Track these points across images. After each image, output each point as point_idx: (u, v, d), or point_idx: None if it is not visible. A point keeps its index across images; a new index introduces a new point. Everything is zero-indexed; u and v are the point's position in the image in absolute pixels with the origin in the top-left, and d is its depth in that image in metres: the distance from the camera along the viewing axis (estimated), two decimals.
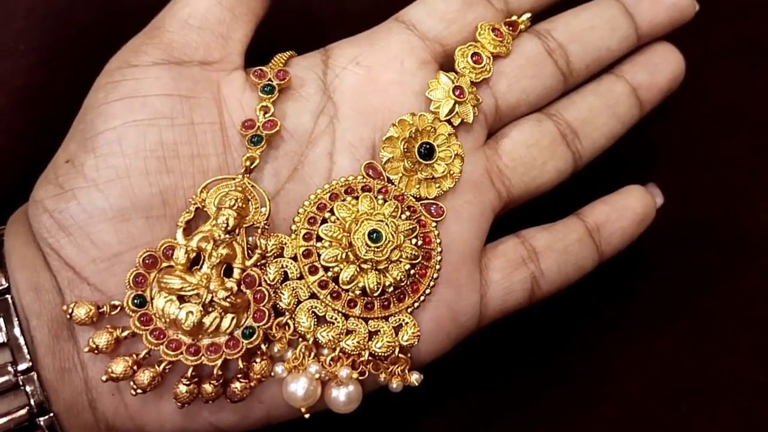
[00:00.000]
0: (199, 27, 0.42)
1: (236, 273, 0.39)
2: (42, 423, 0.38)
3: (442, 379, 0.44)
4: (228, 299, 0.39)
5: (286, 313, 0.40)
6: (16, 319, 0.38)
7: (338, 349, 0.40)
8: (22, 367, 0.38)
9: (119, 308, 0.38)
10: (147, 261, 0.39)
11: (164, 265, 0.39)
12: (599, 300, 0.52)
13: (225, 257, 0.39)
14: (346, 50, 0.44)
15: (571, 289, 0.46)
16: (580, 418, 0.49)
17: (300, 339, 0.40)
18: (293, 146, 0.42)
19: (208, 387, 0.39)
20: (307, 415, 0.40)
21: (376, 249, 0.39)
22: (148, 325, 0.39)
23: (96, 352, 0.38)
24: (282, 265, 0.40)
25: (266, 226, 0.40)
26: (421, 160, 0.42)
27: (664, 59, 0.48)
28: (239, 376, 0.39)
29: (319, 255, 0.40)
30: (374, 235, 0.39)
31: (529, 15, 0.46)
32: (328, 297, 0.40)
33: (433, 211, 0.42)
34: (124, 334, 0.38)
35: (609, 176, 0.49)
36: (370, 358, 0.40)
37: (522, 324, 0.47)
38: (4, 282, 0.39)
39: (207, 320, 0.39)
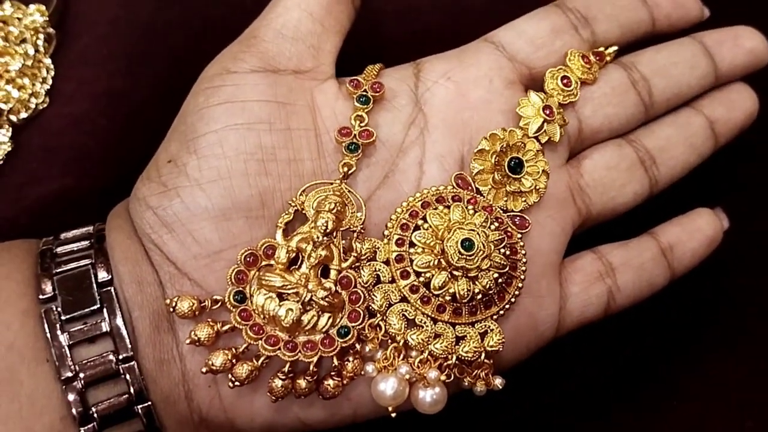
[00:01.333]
0: (293, 37, 0.44)
1: (333, 274, 0.41)
2: (140, 411, 0.39)
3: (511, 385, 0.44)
4: (326, 299, 0.40)
5: (378, 315, 0.41)
6: (119, 309, 0.39)
7: (427, 351, 0.41)
8: (123, 356, 0.39)
9: (220, 303, 0.40)
10: (248, 259, 0.40)
11: (264, 263, 0.41)
12: (672, 315, 0.53)
13: (323, 258, 0.41)
14: (437, 65, 0.46)
15: (644, 303, 0.47)
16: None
17: (390, 340, 0.42)
18: (385, 155, 0.44)
19: (302, 383, 0.40)
20: (393, 414, 0.42)
21: (468, 257, 0.40)
22: (247, 320, 0.40)
23: (197, 344, 0.39)
24: (375, 268, 0.42)
25: (362, 230, 0.42)
26: (509, 174, 0.44)
27: (741, 97, 0.50)
28: (332, 373, 0.41)
29: (411, 260, 0.42)
30: (467, 243, 0.40)
31: (615, 48, 0.48)
32: (419, 301, 0.41)
33: (518, 223, 0.44)
34: (225, 328, 0.40)
35: (673, 196, 0.50)
36: (456, 362, 0.41)
37: (595, 334, 0.48)
38: (107, 274, 0.40)
39: (305, 318, 0.40)
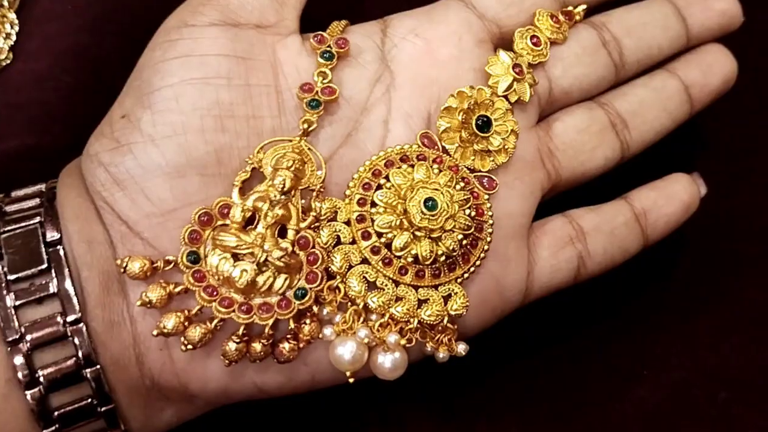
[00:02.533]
0: None
1: (290, 234, 0.40)
2: (88, 375, 0.38)
3: (474, 358, 0.43)
4: (282, 259, 0.39)
5: (338, 277, 0.40)
6: (67, 269, 0.38)
7: (387, 315, 0.40)
8: (71, 318, 0.38)
9: (173, 264, 0.39)
10: (202, 218, 0.39)
11: (219, 223, 0.39)
12: (641, 284, 0.52)
13: (280, 218, 0.39)
14: (405, 21, 0.44)
15: (613, 272, 0.46)
16: (618, 401, 0.50)
17: (349, 303, 0.40)
18: (348, 112, 0.42)
19: (257, 346, 0.39)
20: (351, 380, 0.40)
21: (431, 217, 0.39)
22: (201, 281, 0.39)
23: (149, 306, 0.38)
24: (335, 229, 0.40)
25: (322, 189, 0.40)
26: (477, 132, 0.42)
27: (718, 61, 0.49)
28: (288, 336, 0.39)
29: (372, 221, 0.40)
30: (430, 203, 0.39)
31: (584, 6, 0.47)
32: (380, 263, 0.40)
33: (485, 184, 0.42)
34: (177, 289, 0.38)
35: (651, 164, 0.49)
36: (418, 325, 0.40)
37: (561, 304, 0.47)
38: (56, 233, 0.39)
39: (260, 279, 0.39)
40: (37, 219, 0.39)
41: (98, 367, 0.38)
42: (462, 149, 0.43)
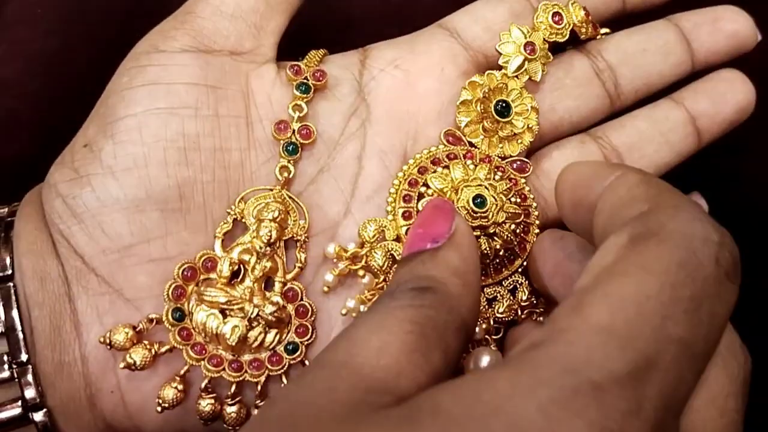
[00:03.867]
0: (232, 15, 0.40)
1: (277, 287, 0.38)
2: (35, 418, 0.36)
3: None
4: (275, 314, 0.37)
5: None
6: (17, 308, 0.36)
7: None
8: (18, 359, 0.36)
9: (155, 322, 0.37)
10: (186, 273, 0.37)
11: (203, 277, 0.38)
12: None
13: (268, 270, 0.38)
14: (386, 52, 0.43)
15: None
16: None
17: None
18: (321, 148, 0.41)
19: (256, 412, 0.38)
20: None
21: (482, 215, 0.37)
22: (188, 339, 0.37)
23: (133, 368, 0.36)
24: (388, 248, 0.38)
25: (306, 239, 0.39)
26: (499, 119, 0.41)
27: (731, 88, 0.44)
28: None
29: None
30: (478, 200, 0.37)
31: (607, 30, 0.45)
32: None
33: (518, 168, 0.41)
34: (163, 349, 0.37)
35: None
36: (495, 324, 0.39)
37: None
38: (9, 269, 0.37)
39: (252, 335, 0.38)
40: None
41: (46, 410, 0.36)
42: (488, 139, 0.41)
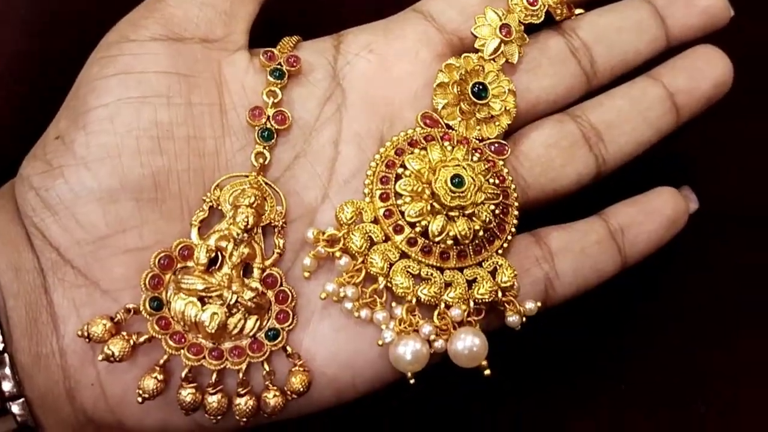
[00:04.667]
0: (202, 2, 0.40)
1: (256, 273, 0.38)
2: (13, 408, 0.36)
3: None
4: (254, 300, 0.37)
5: (380, 279, 0.37)
6: None
7: (442, 303, 0.38)
8: None
9: (132, 312, 0.37)
10: (162, 261, 0.37)
11: (180, 265, 0.38)
12: (622, 290, 0.47)
13: (246, 257, 0.38)
14: (360, 37, 0.42)
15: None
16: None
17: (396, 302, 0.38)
18: (297, 133, 0.40)
19: (242, 402, 0.37)
20: (412, 381, 0.37)
21: (461, 194, 0.37)
22: (166, 329, 0.37)
23: (111, 360, 0.36)
24: (366, 230, 0.38)
25: (284, 225, 0.39)
26: (476, 101, 0.41)
27: (708, 64, 0.44)
28: (269, 384, 0.38)
29: (402, 213, 0.38)
30: (456, 180, 0.37)
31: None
32: (420, 253, 0.38)
33: (496, 150, 0.41)
34: (142, 339, 0.36)
35: (639, 180, 0.46)
36: (474, 306, 0.38)
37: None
38: None
39: (231, 322, 0.37)
40: None
41: (23, 400, 0.36)
42: (465, 121, 0.41)
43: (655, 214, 0.43)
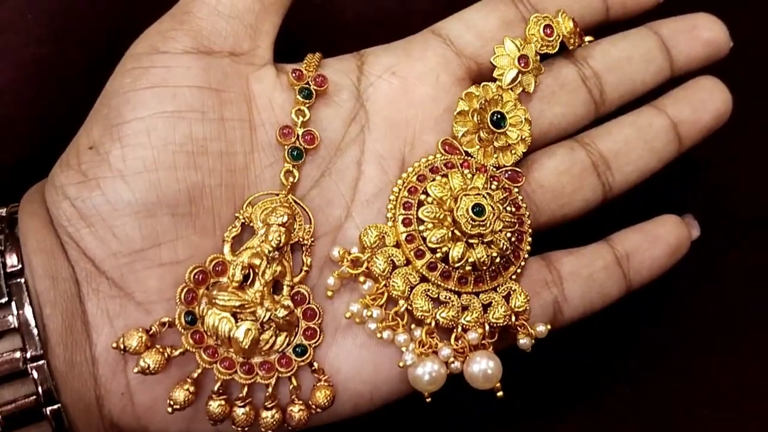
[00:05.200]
0: (229, 15, 0.41)
1: (285, 290, 0.39)
2: (48, 413, 0.37)
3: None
4: (287, 317, 0.38)
5: (401, 302, 0.39)
6: (29, 304, 0.37)
7: (459, 327, 0.39)
8: (31, 354, 0.36)
9: (167, 325, 0.38)
10: (197, 277, 0.38)
11: (212, 281, 0.39)
12: (631, 301, 0.47)
13: (277, 274, 0.39)
14: (382, 58, 0.44)
15: None
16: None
17: (416, 324, 0.40)
18: (322, 153, 0.42)
19: (268, 415, 0.39)
20: (428, 399, 0.40)
21: (481, 223, 0.39)
22: (200, 343, 0.38)
23: (147, 372, 0.37)
24: (389, 254, 0.39)
25: (313, 243, 0.40)
26: (494, 129, 0.42)
27: (710, 96, 0.46)
28: (294, 399, 0.39)
29: (423, 238, 0.40)
30: (477, 209, 0.39)
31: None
32: (439, 278, 0.40)
33: (511, 178, 0.43)
34: (176, 353, 0.37)
35: (641, 201, 0.47)
36: (490, 329, 0.40)
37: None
38: (18, 264, 0.37)
39: (263, 338, 0.39)
40: None
41: (59, 405, 0.37)
42: (483, 149, 0.42)
43: (659, 241, 0.44)
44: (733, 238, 0.53)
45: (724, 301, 0.52)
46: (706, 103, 0.46)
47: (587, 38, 0.46)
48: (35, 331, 0.36)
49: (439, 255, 0.39)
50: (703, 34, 0.46)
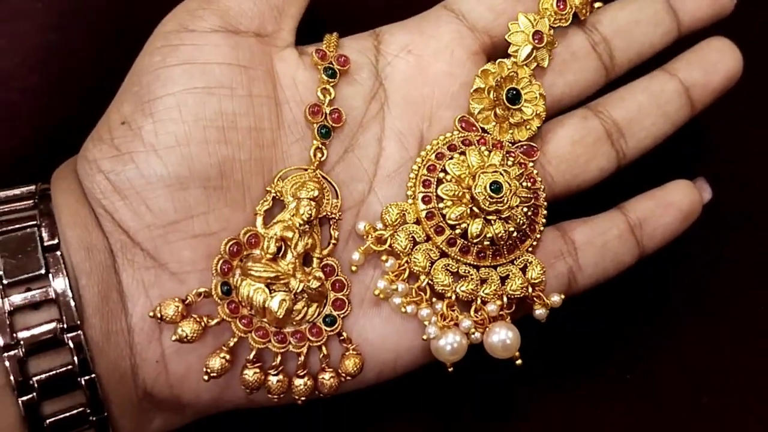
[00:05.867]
0: None
1: (315, 262, 0.41)
2: (83, 383, 0.38)
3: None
4: (319, 288, 0.40)
5: (422, 276, 0.41)
6: (65, 275, 0.38)
7: (479, 299, 0.41)
8: (68, 324, 0.37)
9: (203, 295, 0.39)
10: (232, 249, 0.39)
11: (245, 253, 0.40)
12: (628, 288, 0.49)
13: (309, 247, 0.41)
14: (398, 36, 0.44)
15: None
16: (604, 407, 0.50)
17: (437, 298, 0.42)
18: (345, 130, 0.43)
19: (300, 382, 0.40)
20: (450, 369, 0.42)
21: (498, 200, 0.40)
22: (235, 312, 0.39)
23: (184, 340, 0.38)
24: (410, 231, 0.41)
25: (340, 218, 0.41)
26: (509, 106, 0.43)
27: (721, 57, 0.46)
28: (325, 367, 0.41)
29: (443, 215, 0.41)
30: (494, 186, 0.40)
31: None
32: (458, 253, 0.41)
33: (526, 152, 0.44)
34: (213, 322, 0.39)
35: (653, 167, 0.48)
36: (507, 301, 0.42)
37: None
38: (54, 238, 0.38)
39: (296, 308, 0.40)
40: (33, 222, 0.39)
41: (94, 375, 0.38)
42: (499, 125, 0.44)
43: (672, 207, 0.45)
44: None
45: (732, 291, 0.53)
46: (717, 65, 0.46)
47: (597, 4, 0.46)
48: (72, 302, 0.37)
49: (458, 231, 0.41)
50: None
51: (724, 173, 0.52)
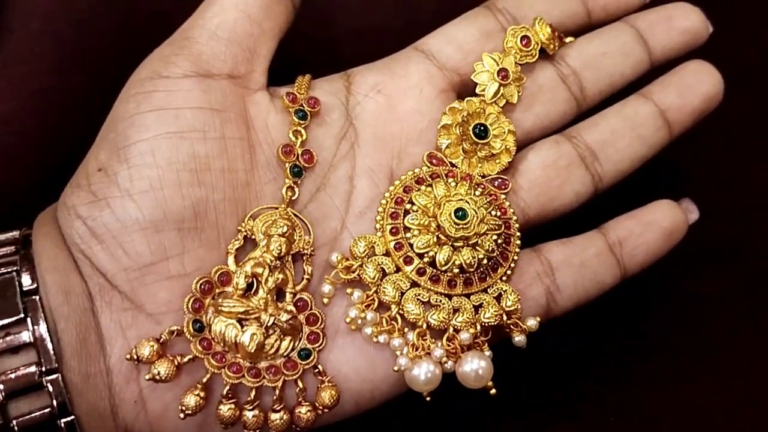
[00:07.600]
0: (228, 39, 0.43)
1: (288, 297, 0.41)
2: (63, 425, 0.38)
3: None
4: (290, 321, 0.40)
5: (392, 307, 0.41)
6: (43, 320, 0.38)
7: (451, 328, 0.41)
8: (46, 367, 0.38)
9: (176, 333, 0.39)
10: (203, 287, 0.40)
11: (218, 290, 0.40)
12: (630, 298, 0.50)
13: (280, 282, 0.41)
14: (368, 77, 0.46)
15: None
16: None
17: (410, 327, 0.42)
18: (317, 169, 0.44)
19: (276, 417, 0.40)
20: (428, 398, 0.42)
21: (464, 226, 0.41)
22: (208, 349, 0.40)
23: (158, 380, 0.38)
24: (378, 262, 0.42)
25: (312, 253, 0.42)
26: (477, 141, 0.44)
27: (698, 79, 0.47)
28: (301, 401, 0.41)
29: (410, 245, 0.42)
30: (459, 213, 0.41)
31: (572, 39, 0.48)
32: (428, 282, 0.41)
33: (498, 185, 0.45)
34: (186, 359, 0.39)
35: (640, 195, 0.47)
36: (481, 330, 0.41)
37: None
38: (33, 283, 0.39)
39: (268, 342, 0.40)
40: (13, 268, 0.39)
41: (73, 417, 0.38)
42: (467, 160, 0.45)
43: (652, 225, 0.45)
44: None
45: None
46: (692, 87, 0.46)
47: (568, 39, 0.47)
48: (50, 346, 0.38)
49: (426, 260, 0.41)
50: (679, 23, 0.47)
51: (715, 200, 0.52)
